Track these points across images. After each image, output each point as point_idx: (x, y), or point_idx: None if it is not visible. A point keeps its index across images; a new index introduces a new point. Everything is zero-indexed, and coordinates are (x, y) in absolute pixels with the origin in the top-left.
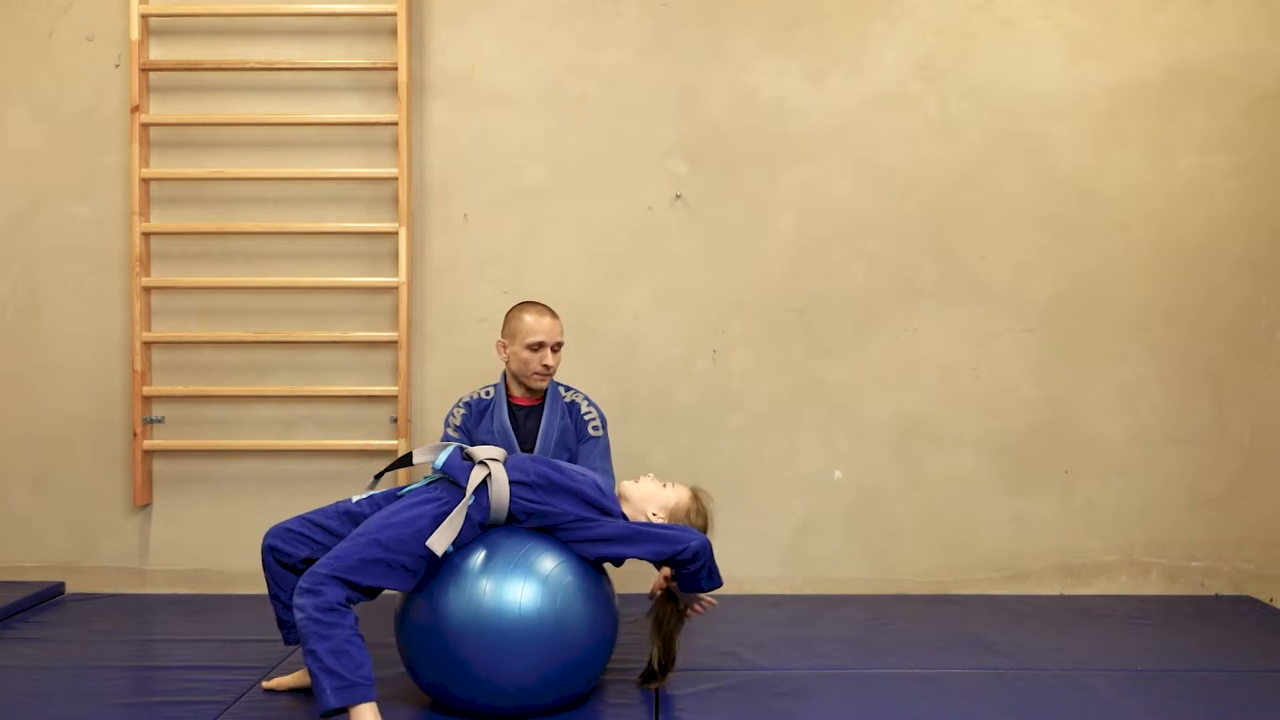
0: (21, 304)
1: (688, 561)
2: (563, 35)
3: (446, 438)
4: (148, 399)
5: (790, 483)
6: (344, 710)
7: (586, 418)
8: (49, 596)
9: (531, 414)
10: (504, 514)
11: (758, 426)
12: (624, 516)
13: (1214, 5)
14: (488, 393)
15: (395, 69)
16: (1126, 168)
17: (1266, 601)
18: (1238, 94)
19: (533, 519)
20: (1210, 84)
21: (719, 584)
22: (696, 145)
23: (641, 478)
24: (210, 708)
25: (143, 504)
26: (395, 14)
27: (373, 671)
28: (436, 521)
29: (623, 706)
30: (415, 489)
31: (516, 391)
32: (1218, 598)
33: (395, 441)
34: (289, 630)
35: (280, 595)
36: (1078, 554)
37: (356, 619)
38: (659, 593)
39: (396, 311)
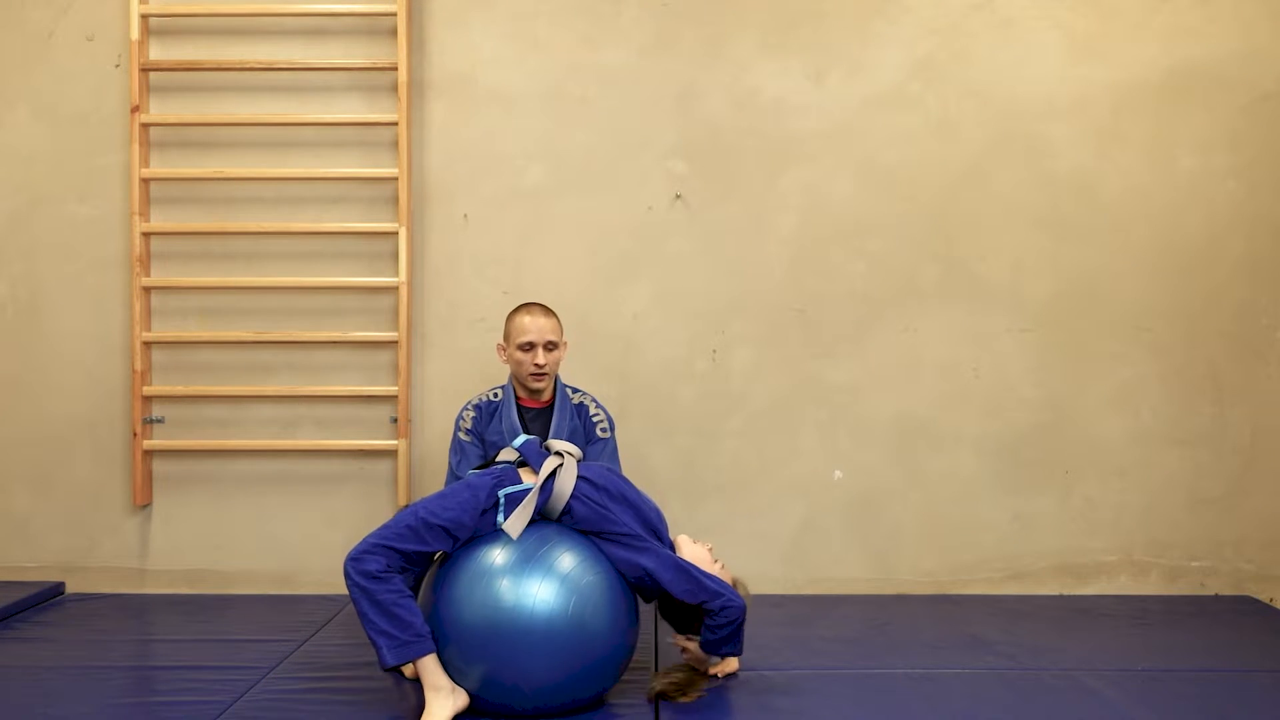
0: (21, 304)
1: (714, 613)
2: (563, 35)
3: (458, 440)
4: (148, 399)
5: (790, 483)
6: (401, 667)
7: (595, 420)
8: (49, 596)
9: (540, 416)
10: (561, 505)
11: (758, 426)
12: (673, 549)
13: (1214, 5)
14: (495, 395)
15: (395, 69)
16: (1126, 168)
17: (1266, 601)
18: (1238, 94)
19: (585, 521)
20: (1210, 84)
21: (738, 652)
22: (696, 145)
23: (699, 541)
24: (210, 708)
25: (143, 504)
26: (395, 14)
27: (425, 626)
28: (474, 490)
29: (624, 705)
30: (477, 472)
31: (522, 394)
32: (1218, 598)
33: (395, 442)
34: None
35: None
36: (1078, 554)
37: (403, 581)
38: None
39: (396, 311)
